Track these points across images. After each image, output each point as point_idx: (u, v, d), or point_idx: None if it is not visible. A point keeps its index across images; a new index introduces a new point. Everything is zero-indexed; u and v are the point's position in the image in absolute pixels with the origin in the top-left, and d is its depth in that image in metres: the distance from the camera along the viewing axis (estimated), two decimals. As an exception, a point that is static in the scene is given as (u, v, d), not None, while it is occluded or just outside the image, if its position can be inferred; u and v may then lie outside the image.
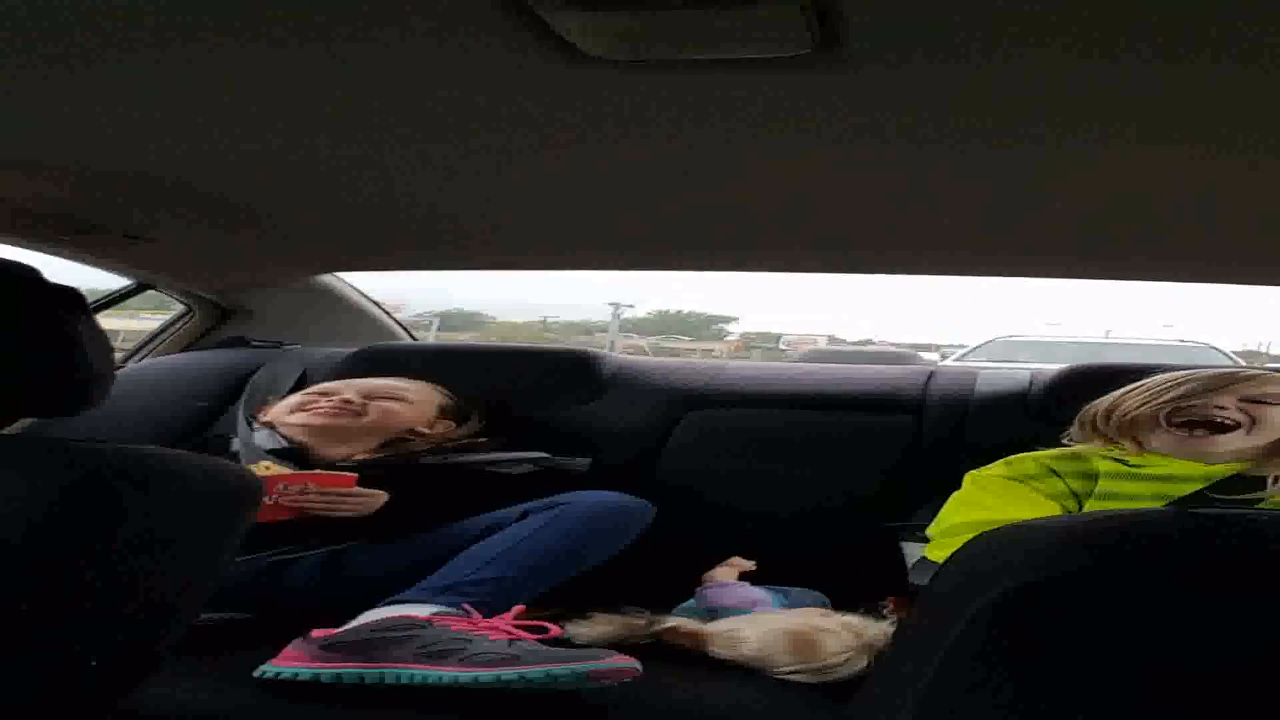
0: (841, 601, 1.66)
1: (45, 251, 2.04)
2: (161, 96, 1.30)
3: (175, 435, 2.17)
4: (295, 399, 2.04)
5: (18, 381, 0.99)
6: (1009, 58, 1.08)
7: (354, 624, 1.47)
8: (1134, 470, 1.62)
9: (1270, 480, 1.55)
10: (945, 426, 2.06)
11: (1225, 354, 7.68)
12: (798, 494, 2.05)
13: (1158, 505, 1.55)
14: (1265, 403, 1.63)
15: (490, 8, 1.02)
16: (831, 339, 12.97)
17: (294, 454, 1.91)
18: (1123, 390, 1.75)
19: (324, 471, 1.76)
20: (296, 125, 1.40)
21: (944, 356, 8.71)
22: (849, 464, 2.06)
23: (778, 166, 1.51)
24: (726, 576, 1.80)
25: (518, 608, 1.51)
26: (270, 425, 2.00)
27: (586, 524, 1.71)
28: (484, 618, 1.48)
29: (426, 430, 2.03)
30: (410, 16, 1.05)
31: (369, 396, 2.01)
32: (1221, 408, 1.62)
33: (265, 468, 1.74)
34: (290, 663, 1.37)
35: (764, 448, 2.12)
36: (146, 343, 2.65)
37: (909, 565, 1.68)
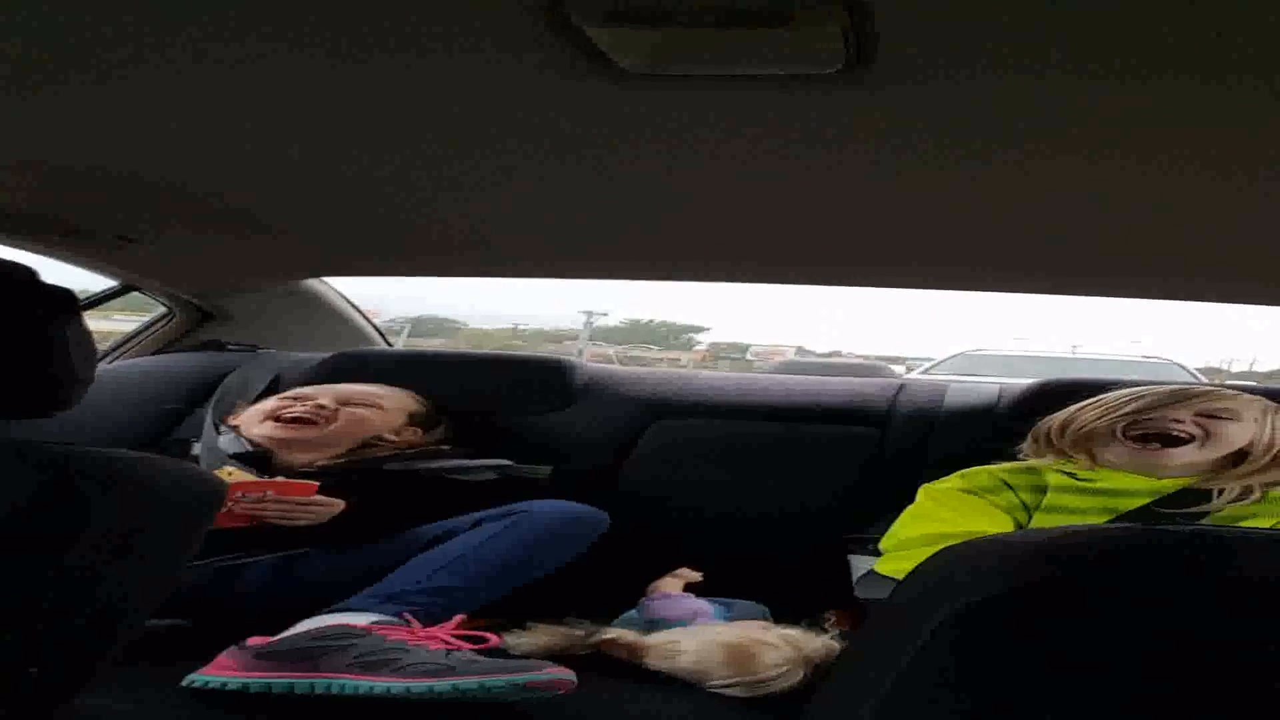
0: (790, 613, 1.65)
1: (36, 252, 2.03)
2: (168, 102, 1.30)
3: (142, 437, 2.16)
4: (270, 403, 2.02)
5: (6, 380, 0.97)
6: (1031, 79, 1.10)
7: (291, 632, 1.44)
8: (1082, 484, 1.64)
9: (1216, 493, 1.57)
10: (909, 439, 2.06)
11: (1189, 370, 7.77)
12: (755, 504, 2.06)
13: (1104, 519, 1.58)
14: (1220, 418, 1.66)
15: (522, 18, 1.02)
16: (800, 350, 13.03)
17: (257, 459, 1.89)
18: (1079, 404, 1.77)
19: (284, 479, 1.72)
20: (297, 130, 1.41)
21: (909, 369, 8.75)
22: (810, 475, 2.07)
23: (798, 179, 1.52)
24: (672, 588, 1.79)
25: (458, 617, 1.49)
26: (236, 429, 1.98)
27: (539, 533, 1.69)
28: (424, 627, 1.46)
29: (394, 437, 2.01)
30: (425, 24, 1.05)
31: (343, 403, 2.00)
32: (1178, 421, 1.65)
33: (228, 473, 1.71)
34: (221, 671, 1.34)
35: (725, 458, 2.12)
36: (122, 343, 2.63)
37: (854, 578, 1.68)
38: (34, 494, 0.90)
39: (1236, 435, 1.65)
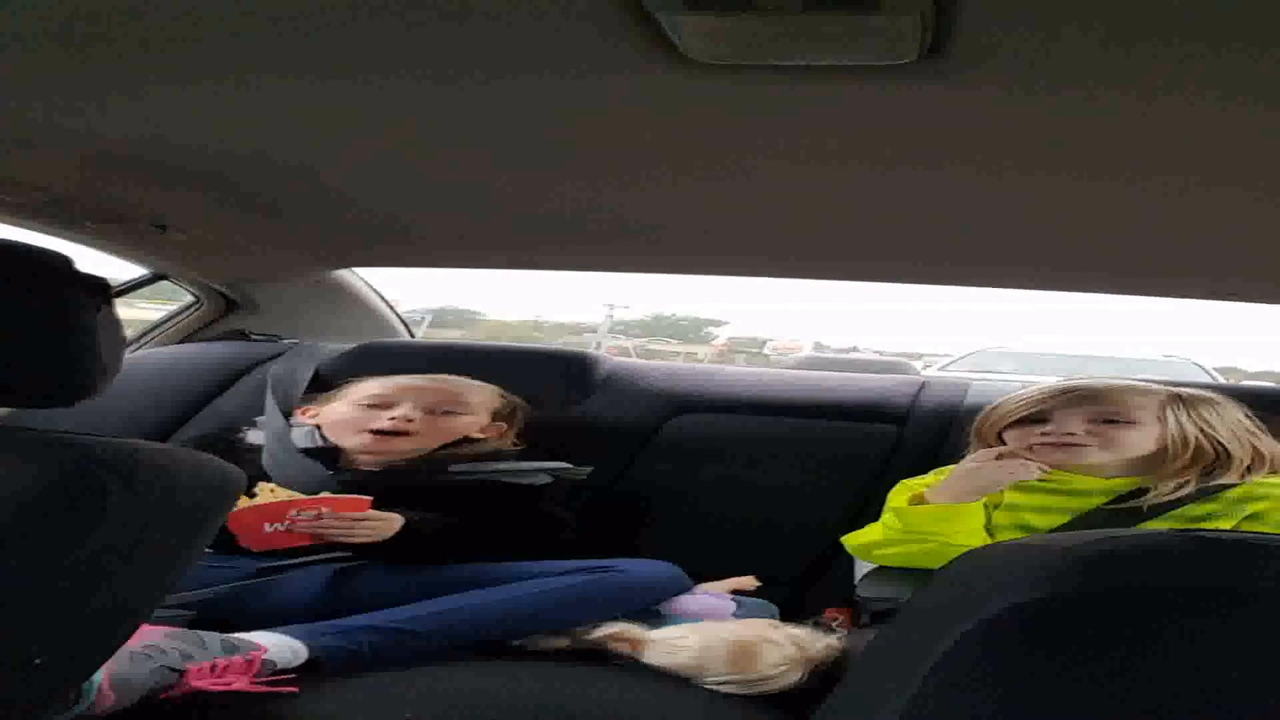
0: (798, 612, 1.65)
1: (72, 240, 2.03)
2: (211, 91, 1.30)
3: (165, 425, 2.19)
4: (347, 410, 1.98)
5: (36, 367, 0.98)
6: (1099, 87, 1.10)
7: None
8: (1041, 484, 1.65)
9: (1154, 485, 1.60)
10: (928, 437, 2.06)
11: (1206, 370, 7.75)
12: (770, 501, 2.05)
13: (1064, 518, 1.60)
14: (1115, 421, 1.68)
15: (593, 3, 1.00)
16: (817, 345, 12.99)
17: (326, 454, 1.89)
18: (993, 404, 1.81)
19: (336, 495, 1.68)
20: (340, 120, 1.40)
21: (927, 366, 8.74)
22: (827, 472, 2.06)
23: (856, 172, 1.52)
24: (719, 590, 1.77)
25: None
26: (317, 427, 1.98)
27: (619, 592, 1.64)
28: None
29: (480, 435, 2.00)
30: (478, 12, 1.04)
31: (430, 411, 1.97)
32: (1070, 434, 1.67)
33: (269, 490, 1.66)
34: None
35: (743, 453, 2.12)
36: (148, 331, 2.64)
37: (858, 577, 1.69)
38: (54, 482, 0.90)
39: (1136, 440, 1.67)
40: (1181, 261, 1.94)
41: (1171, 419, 1.68)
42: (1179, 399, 1.72)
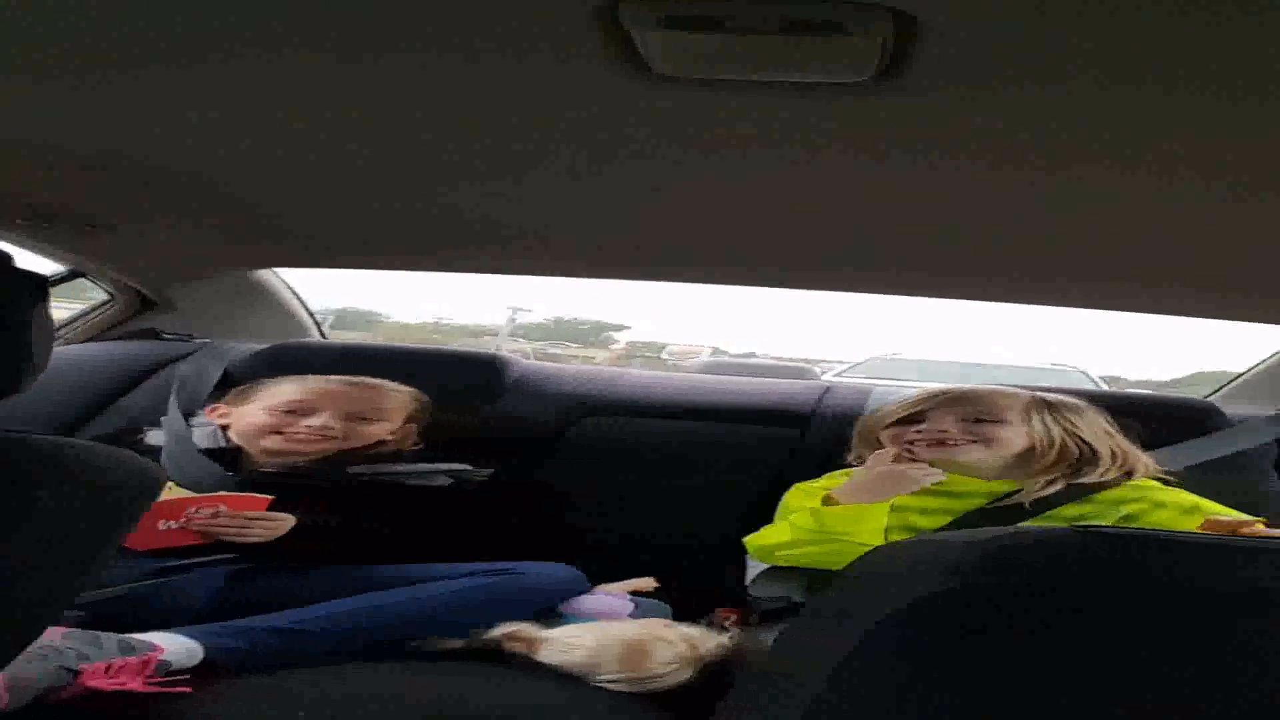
0: (690, 612, 1.67)
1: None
2: (131, 83, 1.29)
3: (70, 424, 2.16)
4: (262, 416, 1.96)
5: None
6: (1062, 92, 1.13)
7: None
8: (926, 487, 1.71)
9: (1026, 490, 1.68)
10: (829, 441, 2.07)
11: (1092, 378, 7.96)
12: (670, 503, 2.08)
13: (946, 519, 1.66)
14: (985, 420, 1.78)
15: (566, 17, 1.01)
16: (715, 350, 13.04)
17: (229, 455, 1.88)
18: (872, 410, 1.90)
19: (236, 494, 1.67)
20: (276, 120, 1.40)
21: (823, 372, 8.82)
22: (728, 475, 2.09)
23: (815, 185, 1.54)
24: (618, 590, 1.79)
25: None
26: (224, 427, 1.97)
27: (518, 592, 1.66)
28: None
29: (392, 438, 2.01)
30: (434, 18, 1.04)
31: (349, 418, 1.97)
32: (944, 431, 1.77)
33: (168, 489, 1.63)
34: None
35: (646, 456, 2.15)
36: (58, 329, 2.57)
37: (749, 577, 1.73)
38: None
39: (1010, 437, 1.76)
40: (1085, 272, 2.01)
41: (1037, 421, 1.78)
42: (1044, 403, 1.83)
